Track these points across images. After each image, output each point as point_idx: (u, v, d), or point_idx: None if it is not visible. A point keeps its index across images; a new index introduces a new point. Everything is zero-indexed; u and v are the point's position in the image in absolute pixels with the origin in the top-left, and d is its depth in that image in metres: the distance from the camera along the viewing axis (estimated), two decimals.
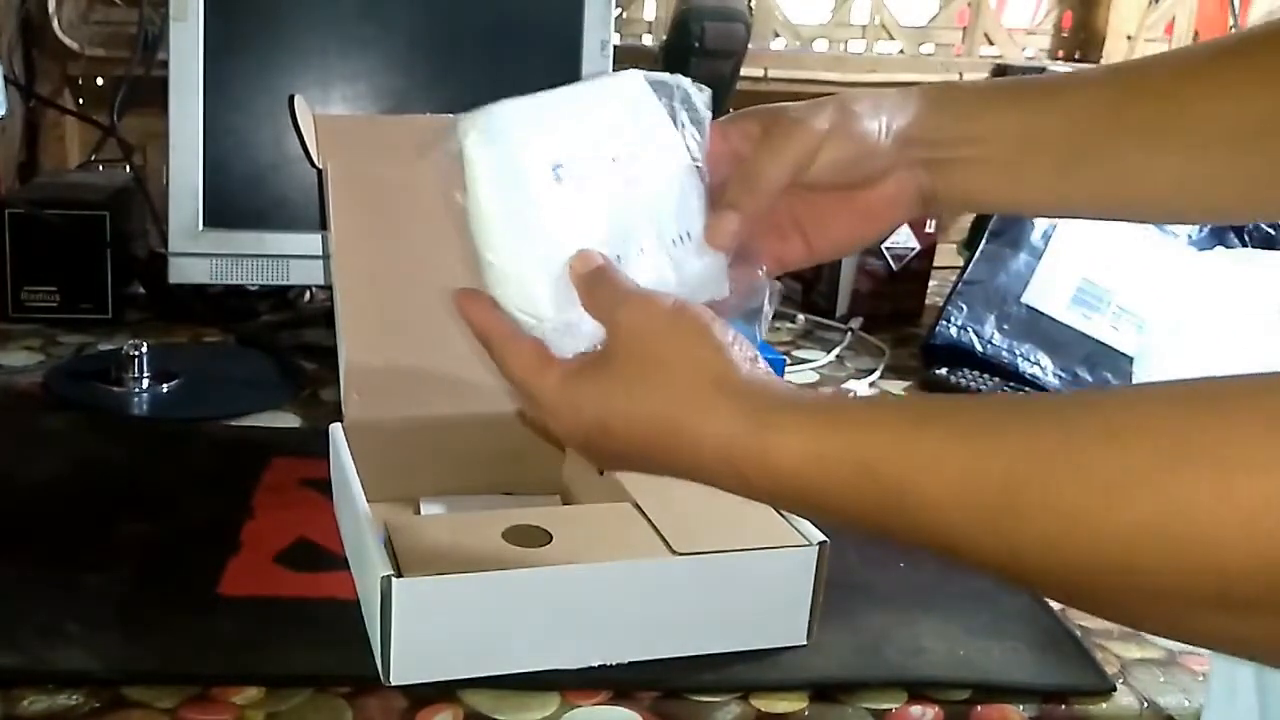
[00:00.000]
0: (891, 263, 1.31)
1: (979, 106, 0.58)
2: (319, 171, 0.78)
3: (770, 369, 0.49)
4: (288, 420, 0.93)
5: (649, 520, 0.65)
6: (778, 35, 1.57)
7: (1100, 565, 0.36)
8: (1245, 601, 0.33)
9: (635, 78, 0.57)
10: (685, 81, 0.57)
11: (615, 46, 1.11)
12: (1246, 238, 1.17)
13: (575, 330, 0.51)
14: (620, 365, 0.49)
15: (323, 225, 0.79)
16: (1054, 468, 0.36)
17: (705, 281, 0.56)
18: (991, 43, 1.64)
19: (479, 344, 0.53)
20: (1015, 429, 0.38)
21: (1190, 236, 1.17)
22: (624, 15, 1.50)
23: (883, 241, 0.62)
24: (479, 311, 0.53)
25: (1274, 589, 0.32)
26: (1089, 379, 1.12)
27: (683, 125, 0.57)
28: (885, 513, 0.41)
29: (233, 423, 0.92)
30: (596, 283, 0.51)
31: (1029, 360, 1.12)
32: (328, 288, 0.94)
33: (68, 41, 1.30)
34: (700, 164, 0.57)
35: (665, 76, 0.57)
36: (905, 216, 0.61)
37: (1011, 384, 1.10)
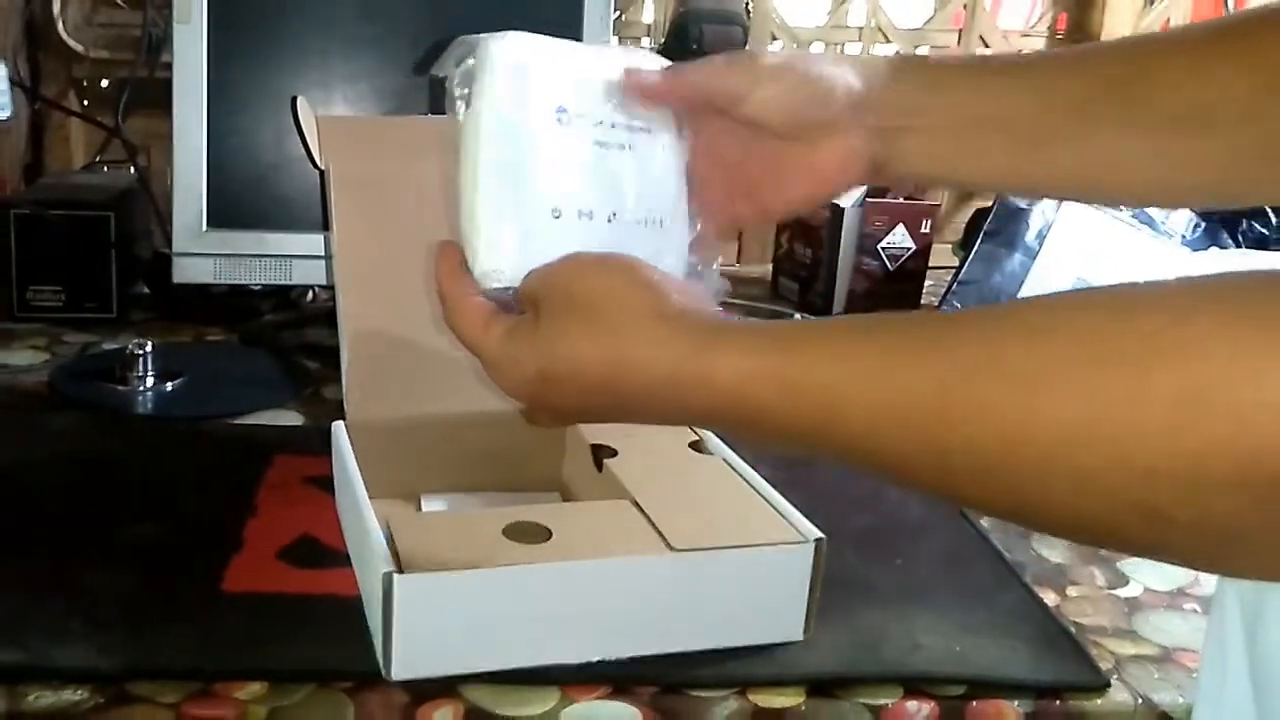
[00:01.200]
0: (887, 263, 1.31)
1: (939, 80, 0.58)
2: (321, 172, 0.78)
3: (699, 295, 0.50)
4: (290, 418, 0.94)
5: (647, 517, 0.65)
6: (775, 38, 1.58)
7: (1026, 467, 0.36)
8: (1161, 504, 0.33)
9: (657, 60, 0.58)
10: (649, 56, 0.58)
11: None
12: (1240, 238, 1.18)
13: (506, 291, 0.52)
14: (556, 313, 0.49)
15: (325, 225, 0.79)
16: (978, 371, 0.37)
17: (669, 257, 0.57)
18: (987, 45, 1.64)
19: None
20: (942, 340, 0.39)
21: (1184, 237, 1.18)
22: (623, 18, 1.51)
23: (832, 200, 0.63)
24: (445, 268, 0.54)
25: (1196, 479, 0.33)
26: None
27: (683, 128, 0.58)
28: (817, 429, 0.42)
29: (236, 421, 0.92)
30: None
31: None
32: (330, 287, 0.94)
33: (72, 43, 1.31)
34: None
35: (649, 53, 0.59)
36: (855, 180, 0.61)
37: None
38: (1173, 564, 0.38)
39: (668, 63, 0.59)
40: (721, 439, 0.75)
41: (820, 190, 0.61)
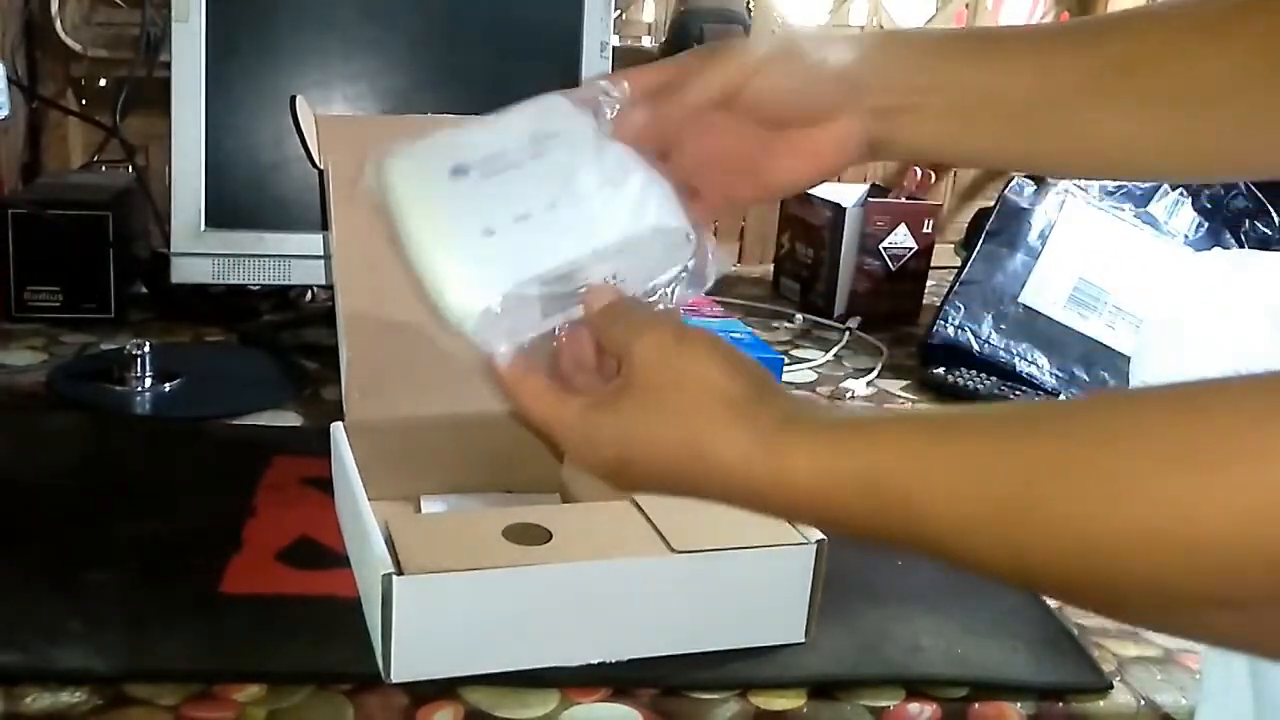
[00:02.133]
0: (889, 262, 1.31)
1: (933, 57, 0.58)
2: (320, 172, 0.78)
3: (771, 375, 0.49)
4: (289, 419, 0.94)
5: (648, 518, 0.65)
6: None
7: (1102, 570, 0.36)
8: (1246, 598, 0.34)
9: (555, 96, 0.58)
10: (602, 82, 0.58)
11: (614, 48, 1.12)
12: (1243, 238, 1.18)
13: (497, 325, 0.52)
14: (636, 395, 0.49)
15: (324, 225, 0.79)
16: (1053, 476, 0.37)
17: (649, 212, 0.56)
18: None
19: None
20: (1016, 440, 0.39)
21: (1187, 237, 1.18)
22: (623, 17, 1.51)
23: (831, 178, 0.63)
24: (500, 369, 0.54)
25: (1269, 582, 0.33)
26: (1085, 378, 1.12)
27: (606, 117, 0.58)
28: (894, 526, 0.42)
29: (235, 422, 0.92)
30: (611, 320, 0.52)
31: (1026, 360, 1.13)
32: (329, 287, 0.94)
33: (70, 43, 1.31)
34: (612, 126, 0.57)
35: (584, 87, 0.58)
36: (853, 159, 0.60)
37: (1009, 383, 1.10)
38: (1261, 656, 0.39)
39: (564, 94, 0.58)
40: None
41: (819, 170, 0.61)
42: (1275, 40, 0.52)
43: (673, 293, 0.58)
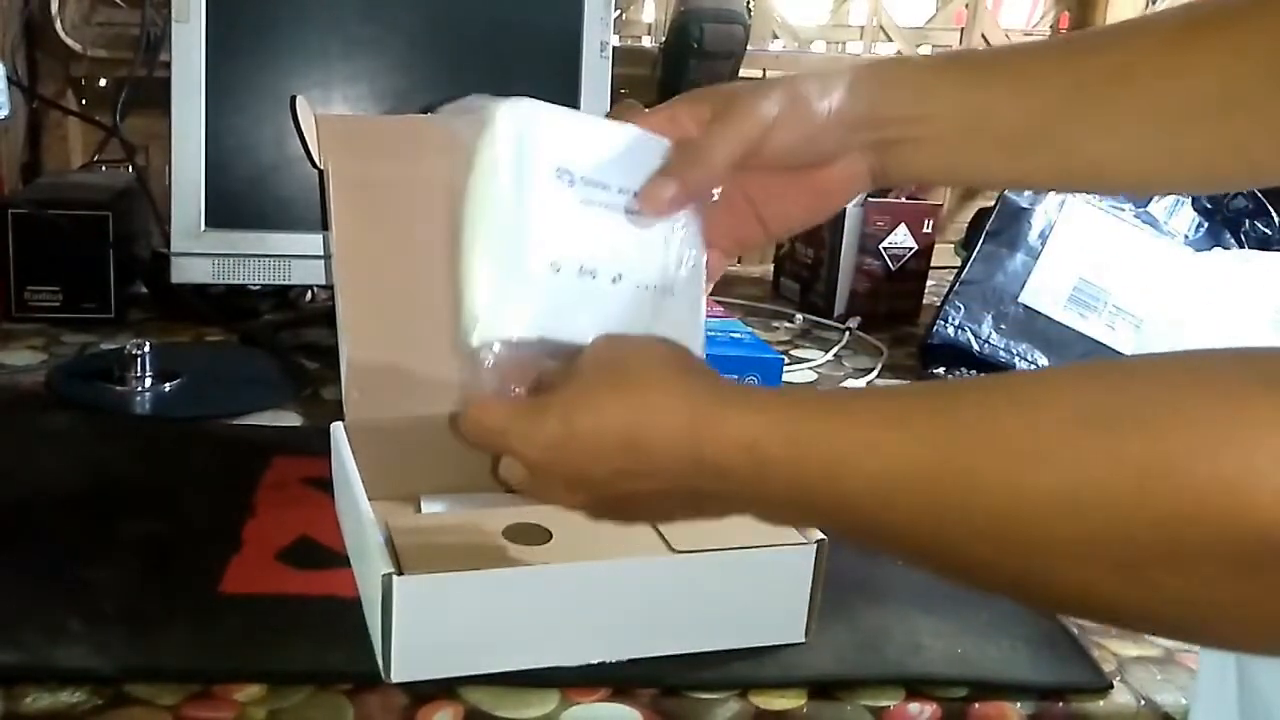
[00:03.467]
0: (889, 263, 1.31)
1: (927, 85, 0.59)
2: (320, 172, 0.78)
3: (715, 372, 0.50)
4: (289, 419, 0.94)
5: None
6: (776, 37, 1.58)
7: (1016, 535, 0.37)
8: (1146, 569, 0.34)
9: (662, 139, 0.58)
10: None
11: (614, 48, 1.12)
12: (1243, 238, 1.18)
13: (520, 352, 0.52)
14: (579, 375, 0.50)
15: (324, 225, 0.79)
16: (972, 441, 0.38)
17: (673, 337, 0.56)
18: (989, 43, 1.64)
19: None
20: (942, 411, 0.40)
21: (1187, 237, 1.18)
22: (623, 17, 1.51)
23: (835, 214, 0.65)
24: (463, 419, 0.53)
25: (1172, 548, 0.33)
26: None
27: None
28: (818, 488, 0.43)
29: (235, 422, 0.92)
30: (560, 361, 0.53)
31: (1026, 360, 1.13)
32: (329, 287, 0.94)
33: (70, 42, 1.31)
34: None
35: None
36: (858, 193, 0.62)
37: None
38: (1169, 638, 0.40)
39: (666, 142, 0.58)
40: None
41: (827, 208, 0.63)
42: (1266, 49, 0.52)
43: None
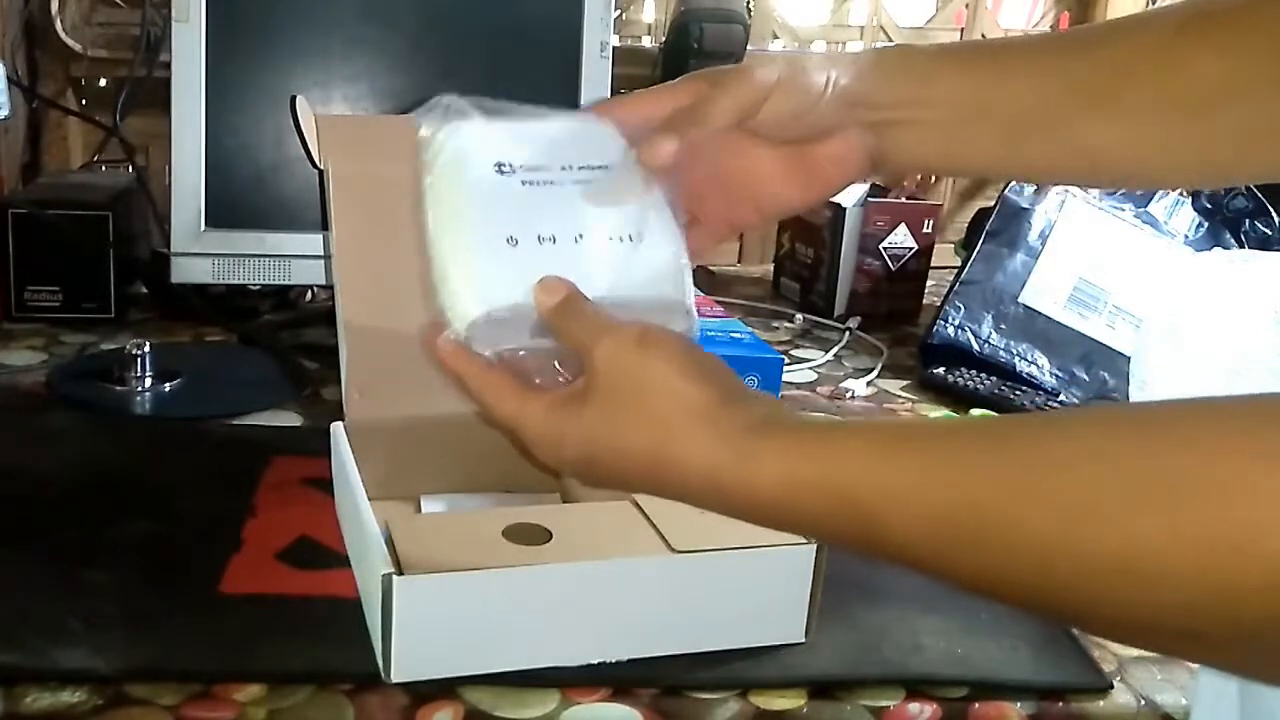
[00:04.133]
0: (889, 262, 1.31)
1: (930, 70, 0.59)
2: (320, 171, 0.78)
3: (746, 383, 0.50)
4: (289, 419, 0.94)
5: (648, 518, 0.65)
6: (776, 37, 1.58)
7: (1063, 593, 0.36)
8: (1203, 632, 0.34)
9: (604, 124, 0.60)
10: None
11: (614, 48, 1.12)
12: (1243, 238, 1.18)
13: (488, 332, 0.54)
14: (600, 399, 0.50)
15: (324, 225, 0.79)
16: (1014, 495, 0.37)
17: (654, 280, 0.57)
18: None
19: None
20: (982, 457, 0.39)
21: (1187, 237, 1.18)
22: (623, 17, 1.51)
23: (833, 197, 0.64)
24: (448, 352, 0.55)
25: (1226, 619, 0.33)
26: (1085, 378, 1.12)
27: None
28: (861, 537, 0.42)
29: (235, 422, 0.92)
30: (568, 315, 0.53)
31: (1026, 359, 1.13)
32: (329, 287, 0.94)
33: (70, 43, 1.31)
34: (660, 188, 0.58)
35: (626, 110, 0.60)
36: (853, 177, 0.61)
37: (1008, 383, 1.10)
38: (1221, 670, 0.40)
39: (607, 125, 0.59)
40: None
41: (821, 189, 0.62)
42: (1266, 42, 0.52)
43: None
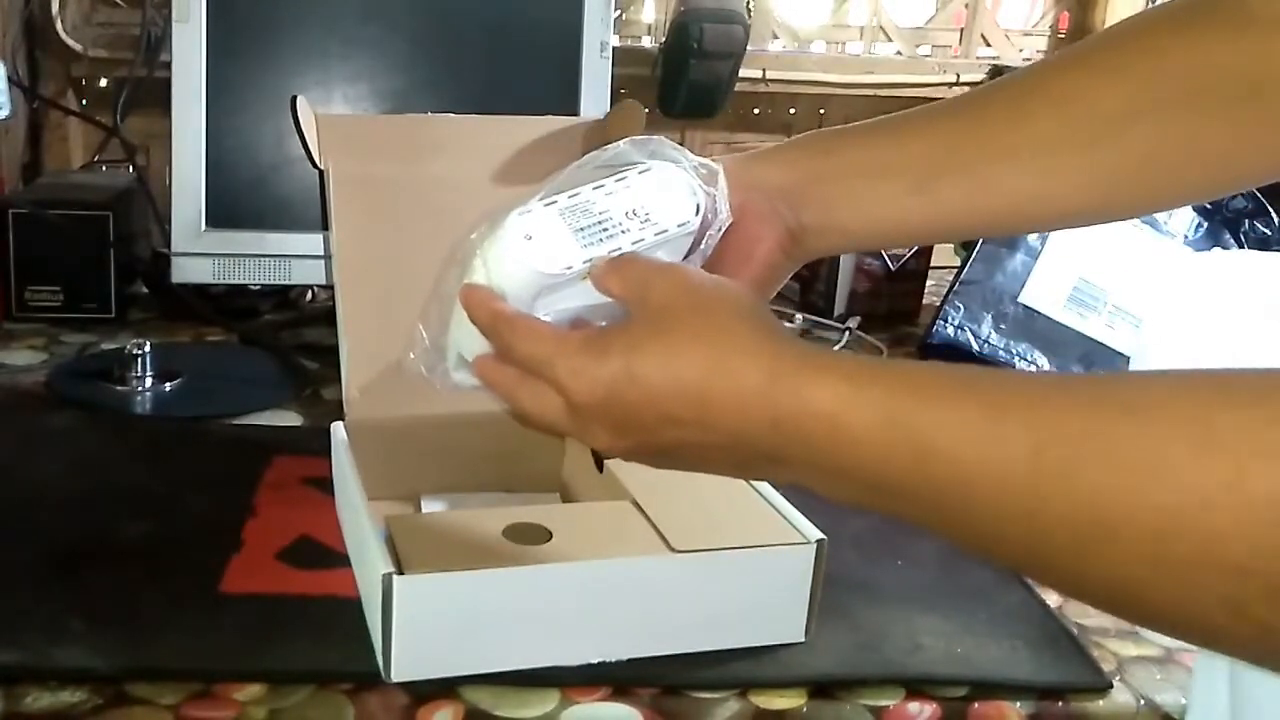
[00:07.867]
0: (889, 262, 1.31)
1: (834, 144, 0.60)
2: (320, 172, 0.78)
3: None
4: (289, 419, 0.94)
5: (648, 518, 0.65)
6: (776, 37, 1.57)
7: (1121, 548, 0.35)
8: (1247, 599, 0.33)
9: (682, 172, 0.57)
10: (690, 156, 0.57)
11: (615, 48, 1.12)
12: (1243, 238, 1.18)
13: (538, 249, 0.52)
14: (654, 314, 0.47)
15: (324, 225, 0.79)
16: (1078, 443, 0.36)
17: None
18: (988, 44, 1.64)
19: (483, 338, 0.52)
20: (1045, 404, 0.38)
21: (1187, 237, 1.18)
22: (623, 17, 1.51)
23: (779, 284, 0.65)
24: (479, 296, 0.52)
25: (1271, 585, 0.32)
26: None
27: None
28: (907, 471, 0.40)
29: (235, 421, 0.92)
30: (622, 265, 0.50)
31: (1025, 359, 1.13)
32: (329, 287, 0.94)
33: (71, 43, 1.31)
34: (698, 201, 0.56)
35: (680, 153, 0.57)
36: (795, 260, 0.62)
37: None
38: (1261, 667, 0.38)
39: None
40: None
41: (764, 278, 0.61)
42: (1165, 62, 0.53)
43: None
